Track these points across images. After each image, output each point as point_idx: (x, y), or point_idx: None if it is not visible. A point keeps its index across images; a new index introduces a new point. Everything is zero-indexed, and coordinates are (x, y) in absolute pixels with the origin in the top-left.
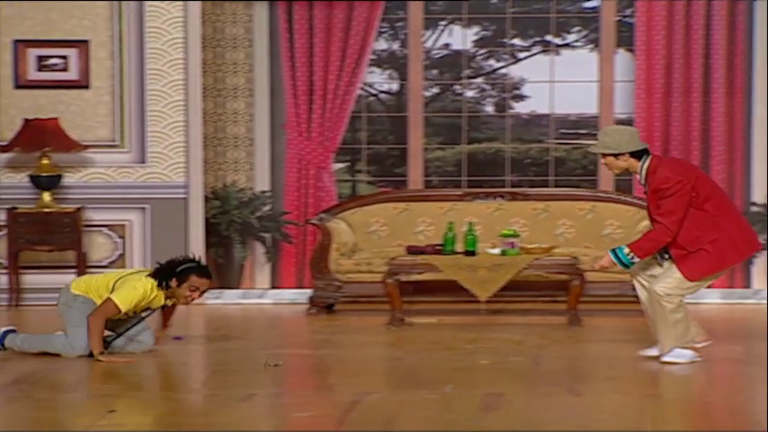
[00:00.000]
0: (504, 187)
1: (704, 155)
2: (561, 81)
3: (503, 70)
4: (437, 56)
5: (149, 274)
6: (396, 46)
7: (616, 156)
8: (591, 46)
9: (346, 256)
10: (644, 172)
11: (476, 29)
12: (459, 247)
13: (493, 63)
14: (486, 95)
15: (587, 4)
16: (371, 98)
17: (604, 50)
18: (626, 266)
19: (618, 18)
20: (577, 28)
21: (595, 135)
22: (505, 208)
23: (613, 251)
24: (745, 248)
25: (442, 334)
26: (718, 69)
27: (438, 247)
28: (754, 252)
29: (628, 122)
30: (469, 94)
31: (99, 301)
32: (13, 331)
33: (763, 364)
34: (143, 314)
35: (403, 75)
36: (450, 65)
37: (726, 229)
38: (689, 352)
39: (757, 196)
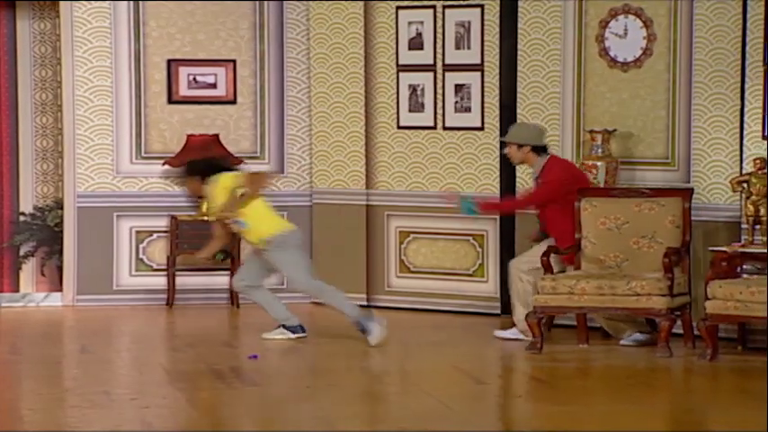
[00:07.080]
0: None
1: None
2: None
3: None
4: None
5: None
6: None
7: (519, 146)
8: None
9: None
10: (541, 168)
11: None
12: None
13: None
14: None
15: None
16: None
17: None
18: (471, 212)
19: None
20: None
21: None
22: None
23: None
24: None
25: None
26: None
27: None
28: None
29: None
30: None
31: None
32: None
33: (32, 362)
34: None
35: None
36: None
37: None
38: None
39: (24, 207)
